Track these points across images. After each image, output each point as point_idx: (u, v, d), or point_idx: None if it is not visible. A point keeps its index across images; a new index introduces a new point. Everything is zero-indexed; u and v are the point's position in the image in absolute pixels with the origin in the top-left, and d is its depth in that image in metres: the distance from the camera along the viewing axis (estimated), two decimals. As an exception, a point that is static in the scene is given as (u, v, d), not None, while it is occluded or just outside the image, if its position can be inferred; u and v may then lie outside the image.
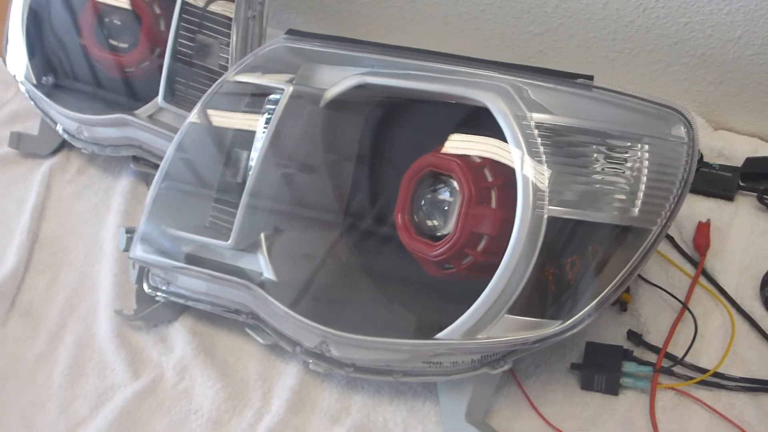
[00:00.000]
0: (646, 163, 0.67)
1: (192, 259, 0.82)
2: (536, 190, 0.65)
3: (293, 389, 0.80)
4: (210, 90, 0.82)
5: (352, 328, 0.72)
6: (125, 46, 1.06)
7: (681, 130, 0.69)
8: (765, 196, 0.87)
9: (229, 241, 0.78)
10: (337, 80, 0.79)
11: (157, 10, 1.05)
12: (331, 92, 0.78)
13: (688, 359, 0.75)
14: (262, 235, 0.79)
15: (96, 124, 1.01)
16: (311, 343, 0.74)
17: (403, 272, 0.79)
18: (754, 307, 0.80)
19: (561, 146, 0.67)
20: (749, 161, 0.90)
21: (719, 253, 0.85)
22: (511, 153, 0.67)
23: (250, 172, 0.77)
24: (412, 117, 0.79)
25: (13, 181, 1.10)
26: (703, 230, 0.85)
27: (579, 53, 1.00)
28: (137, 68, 1.06)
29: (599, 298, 0.66)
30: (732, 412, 0.73)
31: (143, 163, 1.03)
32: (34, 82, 1.07)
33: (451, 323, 0.68)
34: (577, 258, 0.67)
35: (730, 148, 0.94)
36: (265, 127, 0.79)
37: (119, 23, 1.06)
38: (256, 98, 0.82)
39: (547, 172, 0.66)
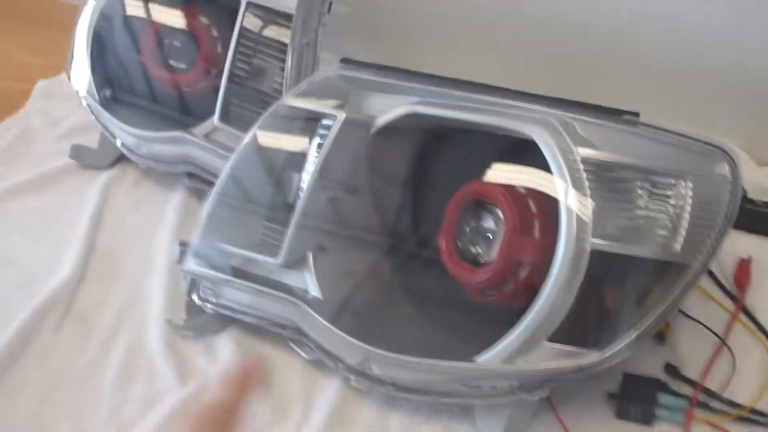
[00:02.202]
0: (689, 200, 0.68)
1: (240, 274, 0.85)
2: (580, 222, 0.67)
3: (333, 404, 0.83)
4: (266, 113, 0.85)
5: (393, 347, 0.75)
6: (183, 66, 1.11)
7: (725, 168, 0.70)
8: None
9: (278, 259, 0.81)
10: (387, 108, 0.82)
11: (215, 33, 1.10)
12: (382, 120, 0.81)
13: (725, 395, 0.76)
14: (310, 254, 0.82)
15: (154, 141, 1.06)
16: (353, 361, 0.77)
17: (444, 295, 0.81)
18: (797, 345, 0.81)
19: (605, 181, 0.69)
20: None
21: (759, 290, 0.85)
22: (556, 185, 0.69)
23: (301, 194, 0.80)
24: (458, 146, 0.81)
25: (72, 192, 1.14)
26: (744, 267, 0.86)
27: (624, 87, 1.01)
28: (194, 88, 1.10)
29: (638, 331, 0.67)
30: (768, 448, 0.74)
31: (197, 179, 1.07)
32: (97, 98, 1.12)
33: (490, 348, 0.71)
34: (618, 290, 0.69)
35: (773, 185, 0.95)
36: (317, 151, 0.83)
37: (178, 45, 1.11)
38: (308, 123, 0.85)
39: (590, 206, 0.67)
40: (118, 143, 1.11)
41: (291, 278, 0.82)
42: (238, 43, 0.99)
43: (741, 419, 0.75)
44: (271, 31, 1.00)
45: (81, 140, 1.20)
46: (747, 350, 0.80)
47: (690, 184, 0.69)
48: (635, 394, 0.77)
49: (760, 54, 0.89)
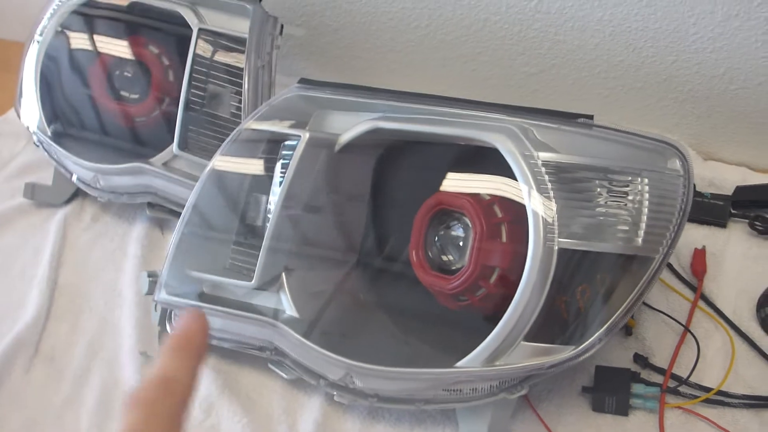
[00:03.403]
0: (647, 195, 0.72)
1: (215, 300, 0.85)
2: (546, 224, 0.70)
3: (317, 421, 0.83)
4: (228, 138, 0.86)
5: (375, 359, 0.76)
6: (136, 96, 1.10)
7: (677, 163, 0.74)
8: (756, 222, 0.92)
9: (252, 281, 0.81)
10: (349, 126, 0.83)
11: (166, 62, 1.10)
12: (345, 137, 0.82)
13: (692, 379, 0.79)
14: (283, 275, 0.83)
15: (112, 173, 1.05)
16: (335, 376, 0.78)
17: (417, 305, 0.83)
18: (751, 327, 0.84)
19: (566, 182, 0.71)
20: (739, 190, 0.95)
21: (716, 277, 0.89)
22: (521, 190, 0.71)
23: (270, 215, 0.81)
24: (422, 158, 0.83)
25: (29, 231, 1.13)
26: (699, 256, 0.90)
27: (572, 91, 1.05)
28: (148, 118, 1.10)
29: (609, 323, 0.70)
30: (736, 427, 0.77)
31: (158, 209, 1.07)
32: (49, 133, 1.11)
33: (467, 352, 0.72)
34: (587, 286, 0.71)
35: (721, 178, 0.99)
36: (282, 172, 0.84)
37: (129, 75, 1.11)
38: (271, 145, 0.86)
39: (555, 207, 0.70)
40: (74, 178, 1.10)
41: (265, 300, 0.83)
42: (192, 69, 1.00)
43: (709, 401, 0.78)
44: (225, 57, 1.01)
45: (33, 178, 1.18)
46: (709, 335, 0.84)
47: (646, 180, 0.72)
48: (609, 386, 0.79)
49: (698, 54, 0.94)
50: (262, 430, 0.84)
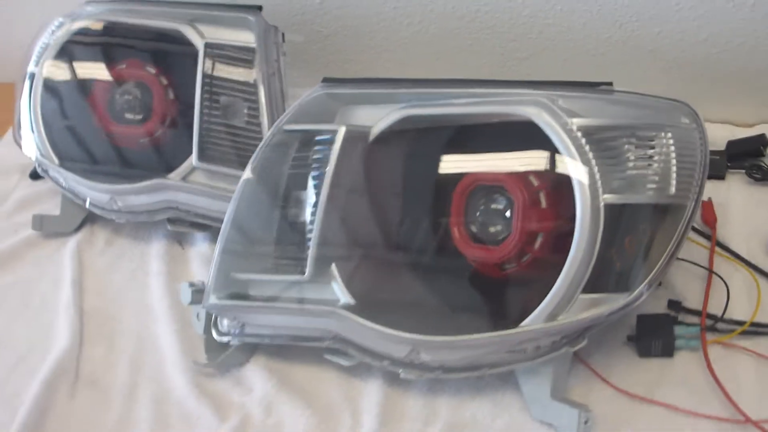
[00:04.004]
0: (672, 147, 0.78)
1: (268, 298, 0.87)
2: (591, 183, 0.75)
3: (379, 403, 0.86)
4: (263, 141, 0.89)
5: (438, 332, 0.80)
6: (139, 117, 1.12)
7: (689, 118, 0.80)
8: (752, 171, 1.00)
9: (306, 275, 0.84)
10: (377, 117, 0.87)
11: (164, 81, 1.12)
12: (378, 128, 0.86)
13: (725, 316, 0.86)
14: (333, 265, 0.86)
15: (131, 193, 1.06)
16: (401, 353, 0.81)
17: (462, 279, 0.87)
18: (767, 264, 0.92)
19: (599, 143, 0.77)
20: (731, 144, 1.03)
21: (725, 225, 0.96)
22: (563, 155, 0.76)
23: (318, 209, 0.84)
24: (452, 141, 0.87)
25: (43, 262, 1.12)
26: (708, 208, 0.97)
27: (563, 72, 1.12)
28: (153, 136, 1.12)
29: (657, 267, 0.75)
30: (773, 353, 0.84)
31: (179, 223, 1.08)
32: (56, 161, 1.11)
33: (519, 315, 0.77)
34: (633, 237, 0.77)
35: (711, 136, 1.05)
36: (315, 167, 0.87)
37: (130, 98, 1.12)
38: (304, 143, 0.89)
39: (595, 167, 0.75)
40: (87, 203, 1.11)
41: (318, 291, 0.86)
42: (203, 83, 1.02)
43: (745, 333, 0.85)
44: (234, 69, 1.03)
45: (33, 212, 1.17)
46: (730, 276, 0.90)
47: (669, 134, 0.78)
48: (652, 331, 0.85)
49: (681, 23, 1.01)
50: (326, 420, 0.87)
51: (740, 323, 0.85)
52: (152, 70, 1.12)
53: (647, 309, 0.88)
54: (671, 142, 0.78)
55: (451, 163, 0.87)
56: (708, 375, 0.82)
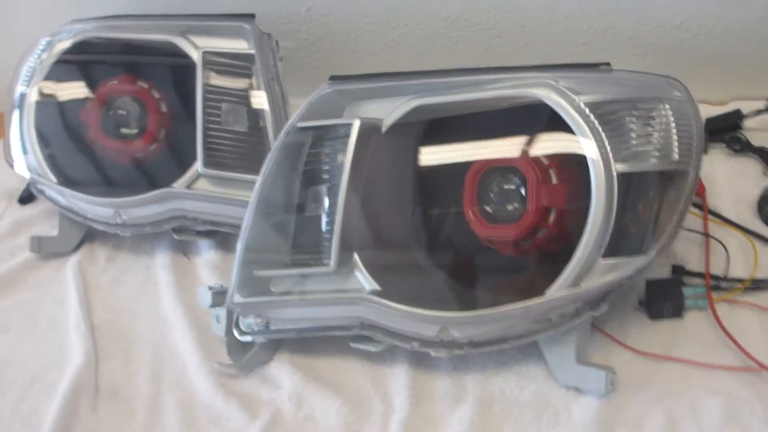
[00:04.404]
0: (671, 118, 0.83)
1: (295, 293, 0.89)
2: (603, 154, 0.79)
3: (408, 386, 0.89)
4: (278, 140, 0.91)
5: (465, 309, 0.83)
6: (135, 131, 1.12)
7: (683, 92, 0.85)
8: (731, 143, 1.07)
9: (330, 266, 0.86)
10: (386, 110, 0.90)
11: (157, 95, 1.13)
12: (390, 119, 0.89)
13: (727, 275, 0.91)
14: (355, 255, 0.88)
15: (136, 205, 1.06)
16: (431, 333, 0.84)
17: (482, 257, 0.90)
18: (757, 226, 0.98)
19: (605, 116, 0.81)
20: (709, 120, 1.09)
21: (713, 194, 1.02)
22: (573, 130, 0.80)
23: (338, 200, 0.87)
24: (461, 128, 0.91)
25: (45, 283, 1.12)
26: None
27: (547, 62, 1.16)
28: (147, 151, 1.12)
29: (669, 228, 0.80)
30: (774, 305, 0.90)
31: (184, 232, 1.09)
32: (54, 180, 1.11)
33: (543, 284, 0.81)
34: (644, 202, 0.81)
35: (689, 114, 1.13)
36: (326, 161, 0.90)
37: (124, 113, 1.13)
38: (318, 140, 0.92)
39: (605, 139, 0.80)
40: (88, 220, 1.10)
41: (342, 282, 0.88)
42: (204, 91, 1.04)
43: (747, 289, 0.90)
44: (233, 76, 1.05)
45: (26, 235, 1.17)
46: (725, 239, 0.96)
47: (668, 106, 0.83)
48: (662, 295, 0.90)
49: (657, 10, 1.08)
50: (358, 407, 0.89)
51: (741, 281, 0.91)
52: (144, 84, 1.13)
53: (653, 275, 0.93)
54: (670, 113, 0.83)
55: (462, 150, 0.90)
56: (718, 330, 0.87)
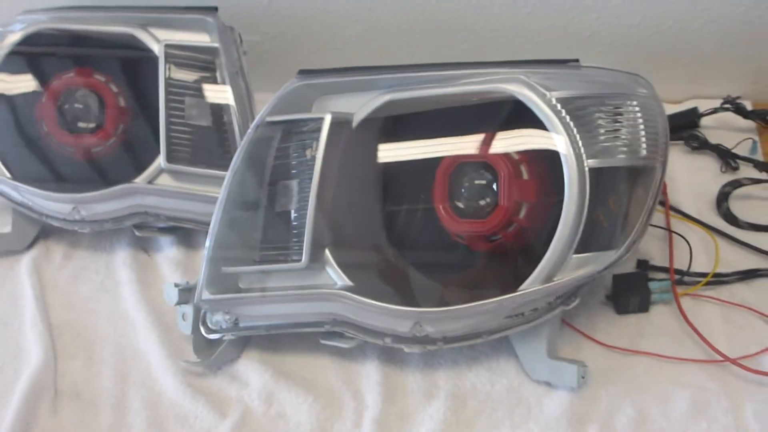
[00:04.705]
0: (639, 114, 0.84)
1: (262, 289, 0.88)
2: (576, 149, 0.80)
3: (380, 382, 0.88)
4: (247, 135, 0.89)
5: (438, 304, 0.83)
6: (92, 126, 1.09)
7: (649, 89, 0.87)
8: (690, 141, 1.10)
9: (302, 262, 0.85)
10: (354, 105, 0.90)
11: (114, 89, 1.10)
12: (361, 114, 0.89)
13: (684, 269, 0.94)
14: (326, 250, 0.87)
15: (96, 201, 1.03)
16: (404, 328, 0.83)
17: (451, 254, 0.90)
18: (717, 222, 1.01)
19: (575, 112, 0.82)
20: (668, 117, 1.11)
21: (674, 189, 1.05)
22: (546, 126, 0.81)
23: (310, 195, 0.85)
24: (432, 122, 0.91)
25: (-2, 283, 1.08)
26: (657, 175, 1.05)
27: (507, 56, 1.17)
28: (105, 146, 1.09)
29: (639, 223, 0.82)
30: (734, 298, 0.92)
31: (146, 229, 1.06)
32: (8, 175, 1.07)
33: (515, 279, 0.81)
34: (614, 197, 0.82)
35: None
36: (296, 155, 0.89)
37: (81, 107, 1.09)
38: (287, 134, 0.90)
39: (577, 135, 0.81)
40: (44, 216, 1.07)
41: (313, 278, 0.87)
42: (166, 85, 1.01)
43: (709, 284, 0.92)
44: (195, 70, 1.03)
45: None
46: (687, 234, 0.98)
47: (635, 102, 0.84)
48: (628, 290, 0.91)
49: (618, 8, 1.09)
50: (330, 404, 0.88)
51: (703, 275, 0.93)
52: (102, 78, 1.10)
53: (619, 270, 0.95)
54: (637, 109, 0.84)
55: (433, 145, 0.90)
56: (683, 324, 0.89)
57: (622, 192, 0.83)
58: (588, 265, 0.81)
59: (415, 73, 0.88)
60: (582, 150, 0.80)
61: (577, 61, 0.87)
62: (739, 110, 1.10)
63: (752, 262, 0.95)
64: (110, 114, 1.09)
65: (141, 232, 1.06)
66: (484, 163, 0.87)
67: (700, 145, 1.10)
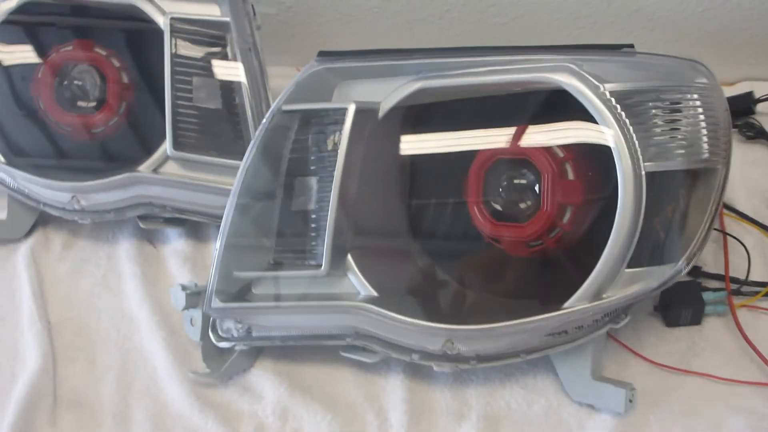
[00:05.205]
0: (700, 109, 0.74)
1: (278, 297, 0.80)
2: (631, 150, 0.71)
3: (406, 400, 0.81)
4: (261, 127, 0.80)
5: (472, 320, 0.75)
6: (93, 105, 1.00)
7: (709, 76, 0.77)
8: (744, 129, 1.00)
9: (322, 268, 0.77)
10: (380, 92, 0.81)
11: (117, 63, 1.01)
12: (389, 102, 0.80)
13: (743, 277, 0.85)
14: (349, 256, 0.79)
15: (97, 190, 0.95)
16: (435, 346, 0.76)
17: (486, 260, 0.82)
18: (774, 221, 0.92)
19: (633, 107, 0.73)
20: (722, 103, 1.02)
21: (728, 186, 0.95)
22: (597, 122, 0.72)
23: (332, 195, 0.77)
24: (465, 112, 0.82)
25: (-7, 274, 1.00)
26: (709, 170, 0.96)
27: (545, 36, 1.08)
28: (106, 126, 1.00)
29: (699, 234, 0.72)
30: (797, 312, 0.83)
31: (151, 220, 0.98)
32: (2, 159, 0.98)
33: (559, 292, 0.73)
34: (674, 204, 0.74)
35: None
36: (315, 149, 0.81)
37: (81, 83, 1.00)
38: (305, 124, 0.81)
39: (634, 134, 0.72)
40: (42, 204, 0.99)
41: (334, 286, 0.79)
42: (172, 64, 0.92)
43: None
44: (205, 46, 0.94)
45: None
46: (741, 237, 0.89)
47: (695, 96, 0.75)
48: (680, 300, 0.83)
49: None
50: (350, 422, 0.81)
51: (761, 284, 0.84)
52: (103, 52, 1.01)
53: (667, 277, 0.86)
54: (698, 103, 0.75)
55: (467, 138, 0.81)
56: (739, 339, 0.81)
57: (681, 198, 0.74)
58: (642, 281, 0.72)
59: (448, 58, 0.79)
60: (638, 151, 0.71)
61: (632, 46, 0.77)
62: (802, 96, 1.00)
63: (816, 269, 0.87)
64: (112, 90, 1.00)
65: (145, 223, 0.98)
66: (524, 159, 0.78)
67: (756, 134, 1.00)
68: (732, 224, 0.92)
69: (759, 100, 1.02)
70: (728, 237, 0.88)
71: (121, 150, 1.00)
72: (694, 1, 1.01)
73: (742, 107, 1.02)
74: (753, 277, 0.86)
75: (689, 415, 0.77)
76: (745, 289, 0.84)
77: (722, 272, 0.86)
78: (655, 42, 1.06)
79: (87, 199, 0.96)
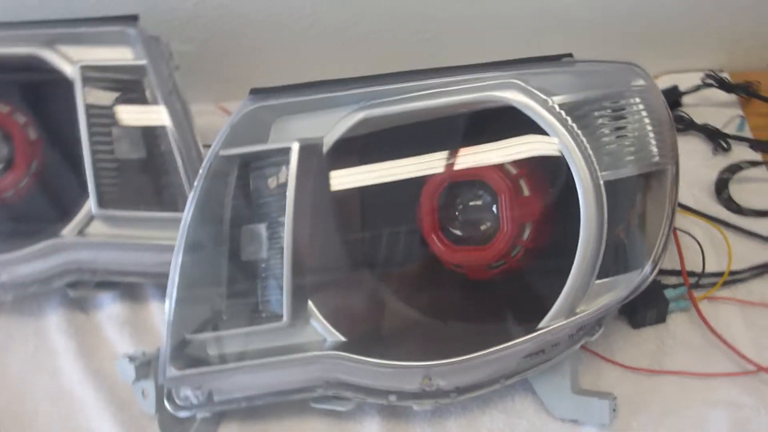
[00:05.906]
0: (644, 112, 0.74)
1: (238, 356, 0.75)
2: (588, 161, 0.70)
3: (384, 443, 0.77)
4: (199, 176, 0.75)
5: (447, 353, 0.72)
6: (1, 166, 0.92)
7: (646, 78, 0.77)
8: (675, 123, 1.01)
9: (284, 319, 0.72)
10: (321, 126, 0.77)
11: (22, 119, 0.93)
12: (333, 136, 0.76)
13: (696, 270, 0.85)
14: (310, 302, 0.75)
15: (17, 262, 0.87)
16: (412, 385, 0.72)
17: (451, 289, 0.79)
18: (719, 212, 0.93)
19: (582, 118, 0.72)
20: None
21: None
22: (553, 137, 0.71)
23: (285, 240, 0.72)
24: (412, 139, 0.79)
25: None
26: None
27: (473, 45, 1.06)
28: (17, 189, 0.93)
29: (662, 234, 0.72)
30: (753, 296, 0.84)
31: (81, 287, 0.90)
32: None
33: (531, 312, 0.71)
34: (633, 210, 0.73)
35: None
36: (259, 193, 0.76)
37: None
38: (245, 167, 0.77)
39: (588, 146, 0.71)
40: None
41: (299, 335, 0.75)
42: (88, 115, 0.85)
43: (726, 284, 0.85)
44: (120, 92, 0.88)
45: None
46: (690, 230, 0.90)
47: (638, 99, 0.74)
48: (644, 301, 0.82)
49: None
50: (329, 475, 0.76)
51: (717, 274, 0.85)
52: (5, 108, 0.93)
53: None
54: (641, 107, 0.74)
55: (416, 164, 0.78)
56: (706, 333, 0.81)
57: (639, 203, 0.73)
58: (612, 290, 0.71)
59: (389, 85, 0.75)
60: (594, 162, 0.70)
61: (570, 55, 0.76)
62: (723, 85, 1.02)
63: (765, 253, 0.88)
64: (20, 149, 0.92)
65: (75, 292, 0.90)
66: (477, 181, 0.76)
67: (686, 127, 1.02)
68: (679, 218, 0.92)
69: (684, 93, 1.04)
70: (678, 232, 0.89)
71: (38, 214, 0.92)
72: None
73: (670, 101, 1.01)
74: (708, 269, 0.86)
75: (671, 415, 0.76)
76: (703, 281, 0.85)
77: (678, 268, 0.86)
78: (574, 40, 1.07)
79: (6, 272, 0.88)
